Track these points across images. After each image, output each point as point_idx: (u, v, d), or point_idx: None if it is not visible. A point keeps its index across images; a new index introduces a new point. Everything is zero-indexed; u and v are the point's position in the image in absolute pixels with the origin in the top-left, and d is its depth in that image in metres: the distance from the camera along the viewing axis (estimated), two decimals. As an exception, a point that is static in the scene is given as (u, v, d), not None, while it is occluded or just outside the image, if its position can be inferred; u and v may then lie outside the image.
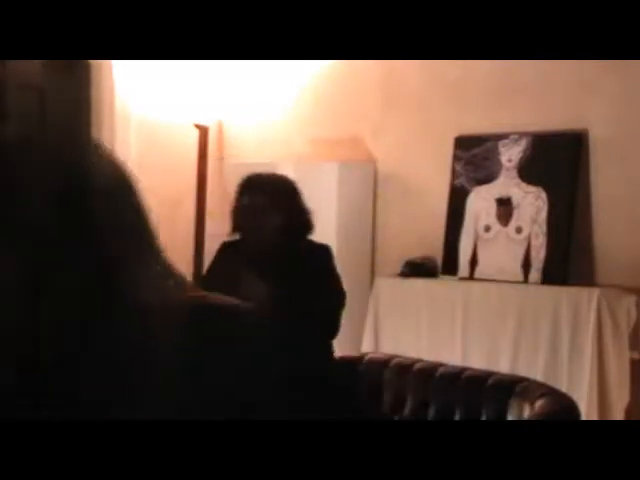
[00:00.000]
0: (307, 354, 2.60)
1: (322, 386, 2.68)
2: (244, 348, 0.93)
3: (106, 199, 0.94)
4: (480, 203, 3.46)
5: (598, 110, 3.25)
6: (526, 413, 2.32)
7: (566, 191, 3.26)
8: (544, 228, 3.27)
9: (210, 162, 4.08)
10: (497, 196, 3.42)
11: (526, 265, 3.31)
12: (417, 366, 2.83)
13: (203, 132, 4.03)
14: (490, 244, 3.42)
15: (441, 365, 2.82)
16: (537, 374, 2.99)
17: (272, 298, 2.54)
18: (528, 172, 3.35)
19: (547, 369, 3.12)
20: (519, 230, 3.35)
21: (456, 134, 3.55)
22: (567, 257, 3.24)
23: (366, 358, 3.01)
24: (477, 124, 3.52)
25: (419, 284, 3.47)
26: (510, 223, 3.38)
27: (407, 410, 2.70)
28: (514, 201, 3.37)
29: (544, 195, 3.28)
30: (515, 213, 3.36)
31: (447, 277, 3.50)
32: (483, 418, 2.41)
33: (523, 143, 3.38)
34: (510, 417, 2.34)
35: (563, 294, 3.15)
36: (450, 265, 3.49)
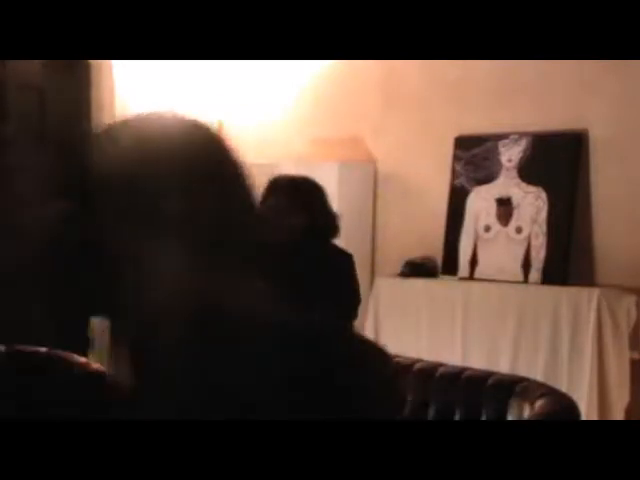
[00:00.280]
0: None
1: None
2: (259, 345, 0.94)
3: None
4: (480, 203, 3.46)
5: (598, 110, 3.25)
6: (526, 413, 2.32)
7: (566, 191, 3.26)
8: (544, 228, 3.27)
9: (210, 162, 4.08)
10: (497, 196, 3.42)
11: (526, 265, 3.31)
12: (417, 366, 2.83)
13: (203, 132, 4.02)
14: (490, 244, 3.42)
15: (441, 365, 2.82)
16: (537, 374, 2.99)
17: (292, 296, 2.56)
18: (528, 172, 3.35)
19: (547, 369, 3.12)
20: (519, 230, 3.35)
21: (456, 134, 3.56)
22: (567, 257, 3.24)
23: (366, 358, 3.00)
24: (477, 124, 3.52)
25: (419, 284, 3.47)
26: (510, 223, 3.38)
27: (407, 410, 2.70)
28: (514, 201, 3.37)
29: (544, 195, 3.29)
30: (515, 213, 3.36)
31: (447, 277, 3.50)
32: (483, 418, 2.41)
33: (523, 143, 3.38)
34: (510, 417, 2.34)
35: (563, 294, 3.15)
36: (450, 265, 3.49)
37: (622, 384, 3.07)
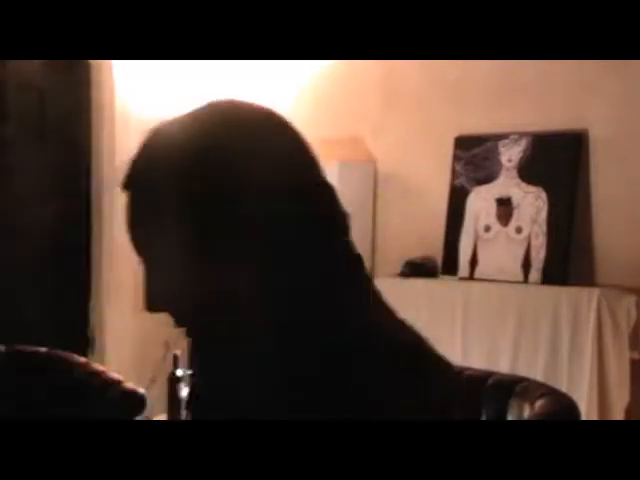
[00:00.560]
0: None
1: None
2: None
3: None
4: (480, 203, 3.46)
5: (598, 110, 3.25)
6: (526, 413, 2.31)
7: (566, 191, 3.26)
8: (544, 228, 3.27)
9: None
10: (497, 196, 3.42)
11: (526, 265, 3.31)
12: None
13: (203, 132, 4.02)
14: (490, 244, 3.42)
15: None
16: (537, 374, 2.99)
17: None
18: (528, 172, 3.35)
19: (547, 369, 3.12)
20: (519, 230, 3.35)
21: (456, 134, 3.55)
22: (567, 257, 3.24)
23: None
24: (477, 124, 3.52)
25: (419, 284, 3.46)
26: (510, 223, 3.38)
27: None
28: (514, 201, 3.37)
29: (544, 195, 3.28)
30: (515, 213, 3.36)
31: (447, 277, 3.50)
32: (483, 418, 2.41)
33: (523, 143, 3.38)
34: (510, 417, 2.34)
35: (563, 294, 3.15)
36: (450, 265, 3.49)
37: (622, 384, 3.07)
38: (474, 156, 3.50)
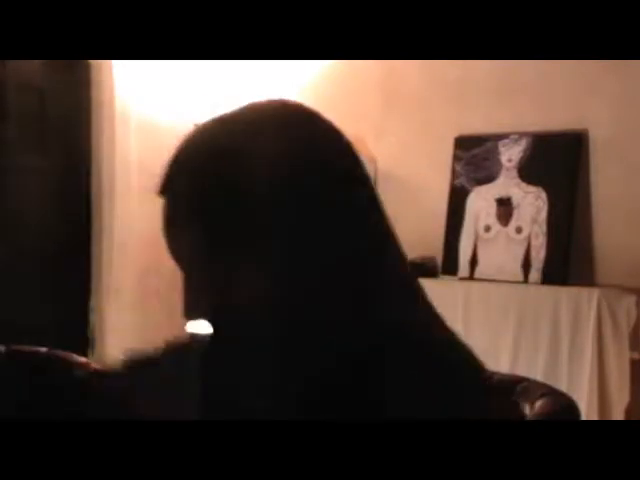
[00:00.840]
0: None
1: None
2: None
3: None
4: (480, 203, 3.46)
5: (598, 110, 3.25)
6: (526, 413, 2.31)
7: (566, 191, 3.26)
8: (544, 228, 3.27)
9: (210, 162, 4.07)
10: (497, 196, 3.42)
11: (526, 265, 3.31)
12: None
13: (203, 132, 4.02)
14: (490, 244, 3.42)
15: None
16: (537, 374, 2.99)
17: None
18: (528, 172, 3.35)
19: (547, 369, 3.12)
20: (519, 230, 3.34)
21: (456, 134, 3.55)
22: (567, 257, 3.24)
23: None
24: (477, 124, 3.52)
25: (419, 284, 3.46)
26: (510, 223, 3.37)
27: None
28: (514, 201, 3.37)
29: (544, 195, 3.28)
30: (515, 213, 3.36)
31: (447, 277, 3.50)
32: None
33: (523, 143, 3.38)
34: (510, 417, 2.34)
35: (563, 294, 3.15)
36: (450, 265, 3.49)
37: (622, 384, 3.07)
38: (474, 156, 3.50)
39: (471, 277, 3.43)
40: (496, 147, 3.44)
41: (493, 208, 3.42)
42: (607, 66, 3.12)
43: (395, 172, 3.76)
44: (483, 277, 3.39)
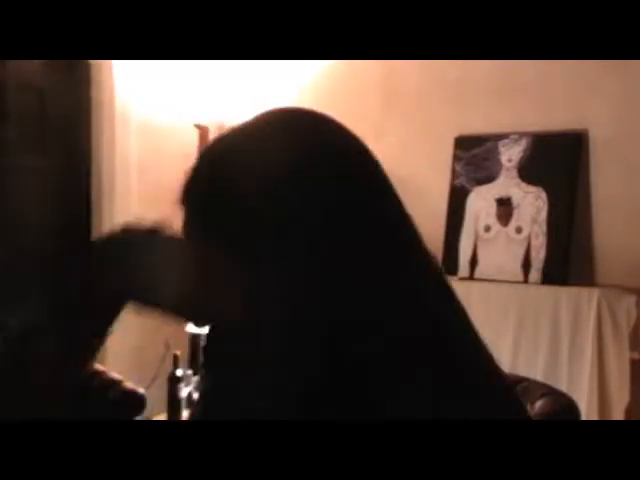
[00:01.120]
0: None
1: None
2: None
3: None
4: (480, 203, 3.46)
5: (598, 110, 3.25)
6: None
7: (566, 191, 3.26)
8: (544, 228, 3.27)
9: (210, 162, 4.07)
10: (497, 196, 3.42)
11: (526, 265, 3.31)
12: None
13: (203, 132, 4.02)
14: (490, 244, 3.42)
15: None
16: (537, 374, 2.99)
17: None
18: (528, 172, 3.35)
19: (547, 369, 3.12)
20: (519, 230, 3.35)
21: (456, 134, 3.55)
22: (567, 257, 3.24)
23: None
24: (477, 124, 3.52)
25: (419, 284, 3.46)
26: (510, 223, 3.38)
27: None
28: (514, 201, 3.37)
29: (544, 195, 3.28)
30: (515, 213, 3.36)
31: (447, 277, 3.50)
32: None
33: (523, 143, 3.38)
34: (511, 416, 2.34)
35: (563, 294, 3.15)
36: (450, 265, 3.49)
37: (622, 384, 3.07)
38: (474, 156, 3.50)
39: (471, 277, 3.43)
40: (496, 147, 3.44)
41: (493, 208, 3.42)
42: (607, 66, 3.13)
43: (395, 172, 3.74)
44: (483, 277, 3.39)
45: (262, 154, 0.94)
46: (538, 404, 2.29)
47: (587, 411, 2.93)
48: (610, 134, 3.23)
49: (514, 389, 1.04)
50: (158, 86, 4.03)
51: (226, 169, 0.95)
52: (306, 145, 0.97)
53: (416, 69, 3.65)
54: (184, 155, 4.15)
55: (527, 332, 3.19)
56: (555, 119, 3.34)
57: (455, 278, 3.46)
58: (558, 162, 3.29)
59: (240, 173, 0.93)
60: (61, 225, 3.76)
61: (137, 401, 1.06)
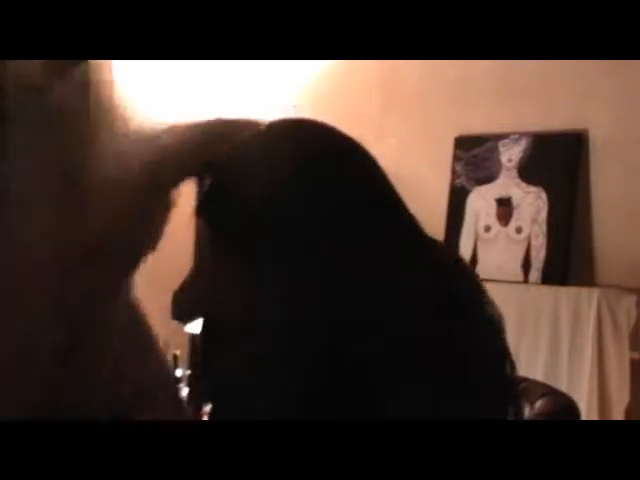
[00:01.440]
0: None
1: None
2: None
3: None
4: (480, 203, 3.46)
5: (598, 110, 3.25)
6: (526, 413, 2.31)
7: (566, 191, 3.26)
8: (544, 228, 3.27)
9: (210, 162, 4.07)
10: (497, 196, 3.42)
11: (526, 265, 3.31)
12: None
13: (203, 132, 4.02)
14: (490, 244, 3.42)
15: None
16: (537, 374, 2.99)
17: None
18: (528, 172, 3.35)
19: (547, 369, 3.12)
20: (519, 230, 3.35)
21: (456, 134, 3.55)
22: (567, 257, 3.24)
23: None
24: (477, 124, 3.52)
25: (419, 284, 3.46)
26: (510, 223, 3.38)
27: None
28: (514, 201, 3.37)
29: (544, 195, 3.28)
30: (515, 213, 3.36)
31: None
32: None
33: (523, 143, 3.38)
34: (510, 417, 2.34)
35: (563, 294, 3.15)
36: (450, 265, 3.49)
37: (622, 384, 3.07)
38: (474, 156, 3.50)
39: (471, 277, 3.43)
40: (496, 147, 3.44)
41: (493, 208, 3.42)
42: (607, 66, 3.12)
43: (395, 172, 3.74)
44: (483, 277, 3.37)
45: (267, 160, 0.95)
46: (538, 404, 2.29)
47: (587, 411, 2.93)
48: (610, 134, 3.23)
49: (515, 390, 1.04)
50: (158, 86, 4.03)
51: (237, 179, 0.95)
52: (307, 149, 0.98)
53: (416, 69, 3.65)
54: (184, 155, 4.15)
55: (527, 332, 3.19)
56: (555, 119, 3.34)
57: (455, 278, 3.46)
58: (558, 162, 3.29)
59: (248, 180, 0.94)
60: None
61: None
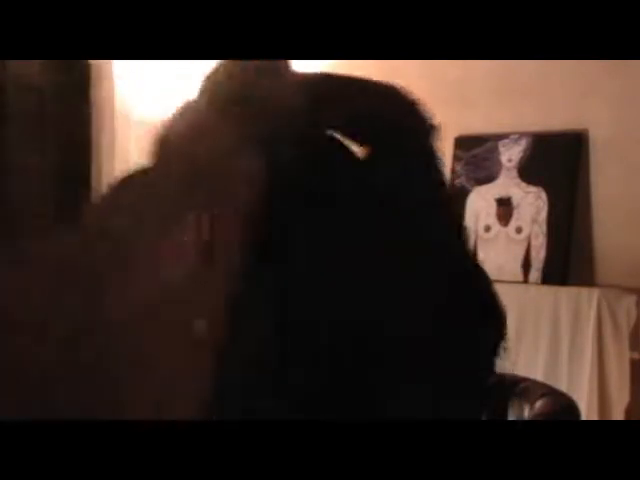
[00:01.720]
0: None
1: None
2: None
3: None
4: (480, 203, 3.46)
5: (598, 110, 3.25)
6: (526, 413, 2.32)
7: (566, 191, 3.26)
8: (544, 228, 3.27)
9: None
10: (497, 196, 3.42)
11: (526, 265, 3.31)
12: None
13: (203, 132, 4.02)
14: (490, 244, 3.42)
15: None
16: (537, 374, 2.99)
17: None
18: (528, 172, 3.35)
19: (547, 369, 3.12)
20: (519, 230, 3.35)
21: (456, 134, 3.55)
22: (567, 257, 3.24)
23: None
24: (477, 124, 3.52)
25: (419, 284, 3.46)
26: (510, 223, 3.38)
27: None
28: (514, 201, 3.37)
29: (544, 195, 3.29)
30: (515, 213, 3.36)
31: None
32: (483, 418, 2.41)
33: (523, 143, 3.38)
34: (510, 417, 2.34)
35: (563, 294, 3.15)
36: (450, 265, 3.49)
37: (622, 384, 3.07)
38: (474, 156, 3.50)
39: (471, 277, 3.43)
40: (496, 147, 3.44)
41: (493, 208, 3.42)
42: (607, 66, 3.13)
43: (395, 172, 3.75)
44: (483, 277, 3.39)
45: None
46: (538, 404, 2.29)
47: (587, 411, 2.94)
48: (610, 134, 3.23)
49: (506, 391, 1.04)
50: (158, 86, 4.03)
51: None
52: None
53: (416, 69, 3.65)
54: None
55: (527, 332, 3.19)
56: (555, 119, 3.34)
57: (455, 278, 3.47)
58: (558, 162, 3.29)
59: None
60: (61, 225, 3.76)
61: None
